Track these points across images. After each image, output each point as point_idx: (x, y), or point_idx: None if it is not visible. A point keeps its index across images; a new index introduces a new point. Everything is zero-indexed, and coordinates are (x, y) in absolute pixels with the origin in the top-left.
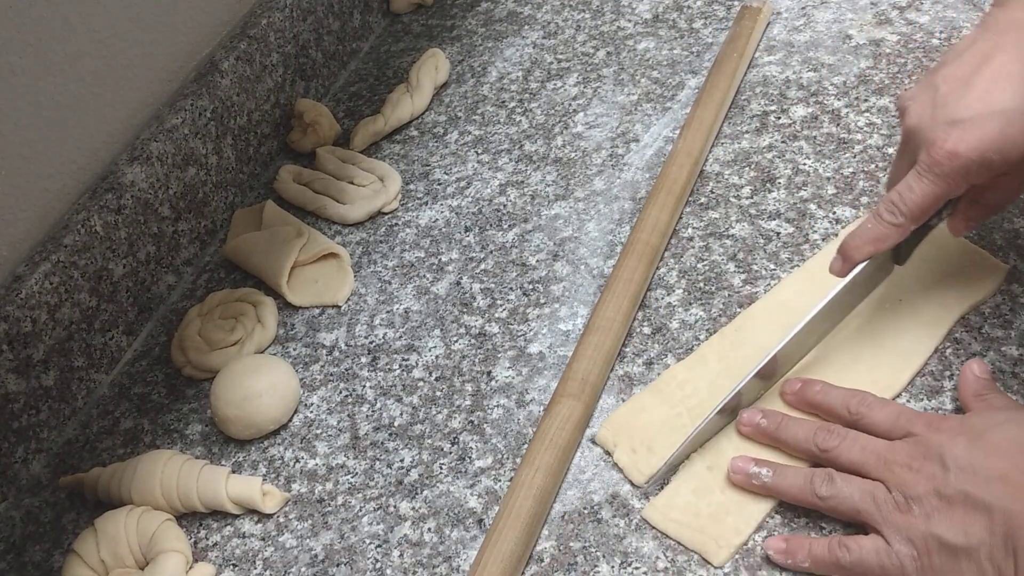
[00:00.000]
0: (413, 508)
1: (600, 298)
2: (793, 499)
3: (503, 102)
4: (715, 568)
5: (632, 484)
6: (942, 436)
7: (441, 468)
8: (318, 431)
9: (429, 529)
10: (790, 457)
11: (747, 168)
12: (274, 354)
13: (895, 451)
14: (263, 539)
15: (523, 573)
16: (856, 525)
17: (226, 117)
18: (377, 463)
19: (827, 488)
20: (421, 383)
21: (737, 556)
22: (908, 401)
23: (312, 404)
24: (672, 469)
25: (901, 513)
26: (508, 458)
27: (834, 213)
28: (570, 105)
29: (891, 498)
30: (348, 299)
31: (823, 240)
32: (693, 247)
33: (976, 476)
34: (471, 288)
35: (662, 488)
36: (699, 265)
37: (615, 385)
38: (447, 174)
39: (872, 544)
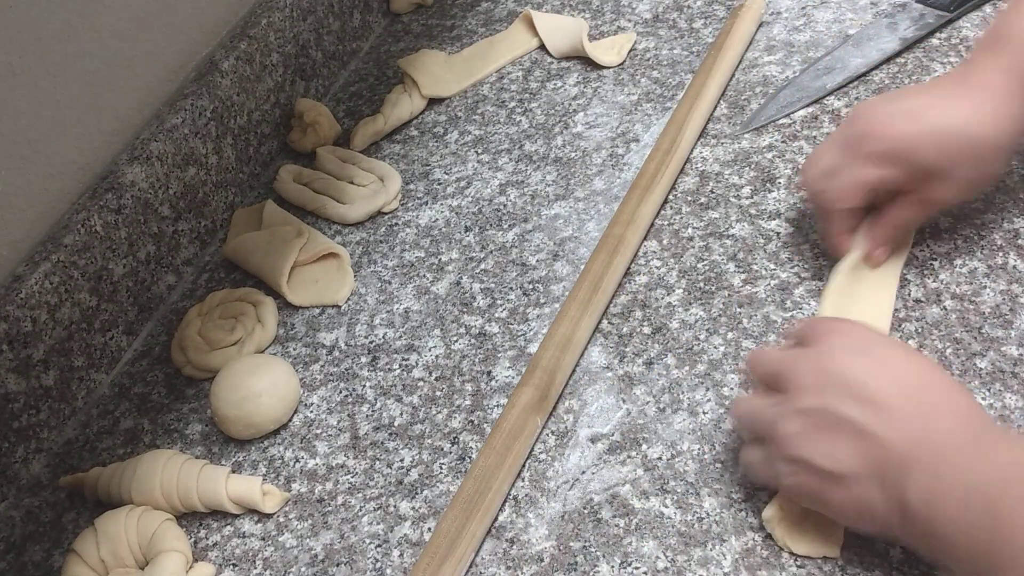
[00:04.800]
0: (413, 508)
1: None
2: None
3: (503, 102)
4: (716, 569)
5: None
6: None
7: (441, 468)
8: (318, 431)
9: (429, 529)
10: None
11: (747, 168)
12: (274, 354)
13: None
14: (263, 539)
15: (477, 552)
16: None
17: (226, 117)
18: (377, 463)
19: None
20: (421, 383)
21: (737, 556)
22: None
23: (312, 404)
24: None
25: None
26: None
27: None
28: (570, 105)
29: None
30: (348, 299)
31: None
32: (693, 247)
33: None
34: (471, 288)
35: None
36: (699, 265)
37: (615, 385)
38: (447, 174)
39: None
